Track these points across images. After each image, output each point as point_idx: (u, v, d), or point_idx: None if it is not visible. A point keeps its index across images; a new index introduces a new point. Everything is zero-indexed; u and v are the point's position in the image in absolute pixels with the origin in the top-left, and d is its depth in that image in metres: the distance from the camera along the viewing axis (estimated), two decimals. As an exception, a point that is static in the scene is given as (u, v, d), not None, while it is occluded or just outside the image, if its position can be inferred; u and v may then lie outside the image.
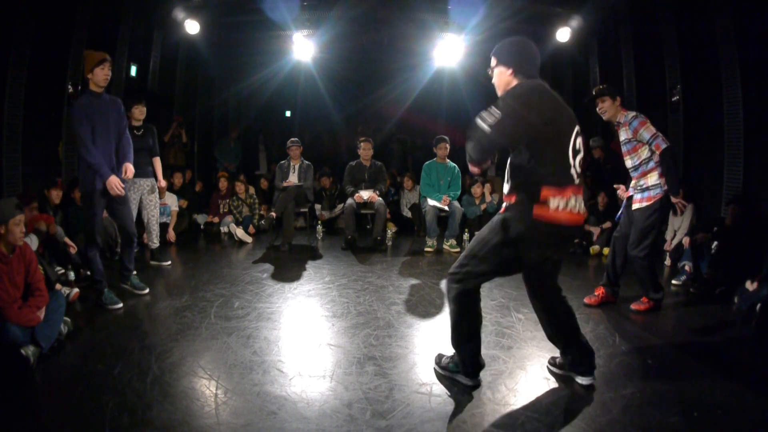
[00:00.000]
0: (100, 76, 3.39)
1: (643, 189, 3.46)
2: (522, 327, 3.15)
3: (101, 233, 3.69)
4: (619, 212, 3.76)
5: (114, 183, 3.38)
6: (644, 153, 3.42)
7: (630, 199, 3.59)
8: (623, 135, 3.51)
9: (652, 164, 3.41)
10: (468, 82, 9.14)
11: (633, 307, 3.56)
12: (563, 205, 2.05)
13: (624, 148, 3.54)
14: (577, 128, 2.15)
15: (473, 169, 2.18)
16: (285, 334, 3.04)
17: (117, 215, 3.72)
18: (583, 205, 2.15)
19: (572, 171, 2.11)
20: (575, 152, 2.12)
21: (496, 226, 2.18)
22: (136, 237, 3.86)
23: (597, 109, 3.53)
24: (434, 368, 2.54)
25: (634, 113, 3.44)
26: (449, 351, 2.48)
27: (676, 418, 2.11)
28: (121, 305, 3.50)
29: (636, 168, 3.49)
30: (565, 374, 2.46)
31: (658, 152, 3.32)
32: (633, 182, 3.57)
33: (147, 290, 3.85)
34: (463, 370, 2.38)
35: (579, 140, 2.16)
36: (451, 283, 2.26)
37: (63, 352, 2.75)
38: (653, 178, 3.41)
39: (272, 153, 9.81)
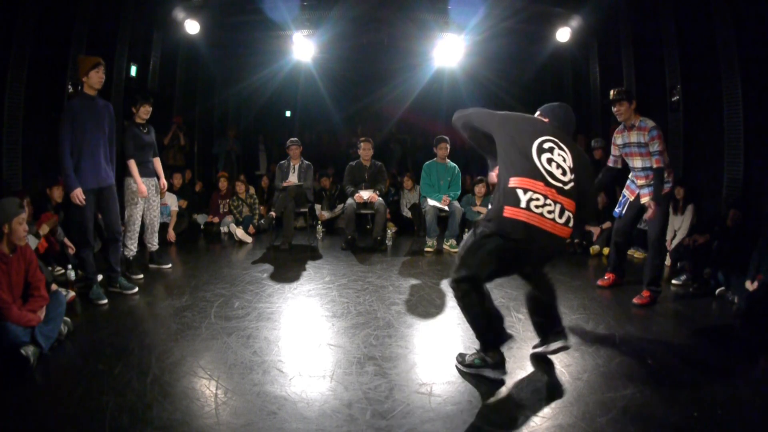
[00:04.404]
0: (95, 78, 3.52)
1: (650, 185, 3.73)
2: (522, 327, 3.14)
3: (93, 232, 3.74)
4: (620, 209, 4.00)
5: (76, 195, 3.41)
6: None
7: (636, 197, 3.86)
8: (635, 137, 3.71)
9: None
10: (468, 82, 9.14)
11: (635, 301, 3.70)
12: (527, 201, 2.22)
13: (636, 150, 3.76)
14: (543, 137, 2.38)
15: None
16: (285, 334, 3.05)
17: (105, 213, 3.74)
18: (564, 218, 2.28)
19: (539, 168, 2.30)
20: (540, 151, 2.34)
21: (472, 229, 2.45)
22: (121, 236, 3.88)
23: (613, 110, 3.76)
24: (456, 366, 2.55)
25: (654, 123, 3.67)
26: (469, 350, 2.60)
27: (676, 418, 2.11)
28: (105, 301, 3.55)
29: (645, 170, 3.75)
30: (542, 352, 2.62)
31: (655, 165, 3.63)
32: (640, 182, 3.82)
33: (136, 289, 3.83)
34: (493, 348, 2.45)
35: (548, 146, 2.37)
36: (453, 287, 2.39)
37: (63, 352, 2.75)
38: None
39: (272, 153, 9.81)
